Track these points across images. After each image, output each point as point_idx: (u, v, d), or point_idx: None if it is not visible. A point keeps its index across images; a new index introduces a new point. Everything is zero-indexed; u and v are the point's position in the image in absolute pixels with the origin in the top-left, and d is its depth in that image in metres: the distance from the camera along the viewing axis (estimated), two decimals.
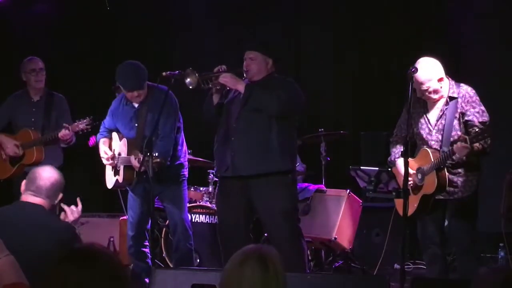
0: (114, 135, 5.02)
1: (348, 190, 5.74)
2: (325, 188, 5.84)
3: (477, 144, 3.99)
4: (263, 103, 4.40)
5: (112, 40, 7.30)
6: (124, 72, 4.77)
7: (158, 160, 4.31)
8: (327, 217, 5.66)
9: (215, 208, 5.52)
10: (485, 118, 4.16)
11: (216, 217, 5.60)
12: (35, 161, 5.45)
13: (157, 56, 6.81)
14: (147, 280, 4.68)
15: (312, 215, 5.69)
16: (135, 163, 4.60)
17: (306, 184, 5.87)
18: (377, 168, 6.16)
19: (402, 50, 6.79)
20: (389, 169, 6.05)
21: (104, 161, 4.94)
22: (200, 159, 6.00)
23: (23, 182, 3.44)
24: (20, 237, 3.08)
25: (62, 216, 3.55)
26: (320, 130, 6.09)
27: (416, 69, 4.13)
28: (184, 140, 5.06)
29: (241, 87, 4.45)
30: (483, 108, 4.20)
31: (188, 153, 5.56)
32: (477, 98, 4.23)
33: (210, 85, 4.51)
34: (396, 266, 5.76)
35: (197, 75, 4.45)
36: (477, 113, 4.16)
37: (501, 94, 5.75)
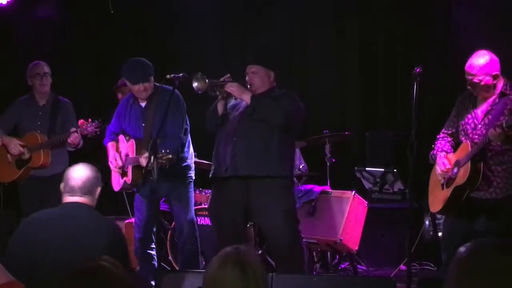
0: (121, 137, 5.03)
1: (354, 191, 5.73)
2: (330, 190, 5.83)
3: None
4: (268, 115, 4.46)
5: (115, 43, 7.31)
6: (130, 66, 4.83)
7: (170, 156, 4.32)
8: (332, 218, 5.65)
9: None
10: None
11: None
12: (41, 165, 5.47)
13: (160, 58, 6.81)
14: (153, 282, 4.69)
15: (317, 217, 5.69)
16: (143, 162, 4.59)
17: (311, 185, 5.86)
18: (382, 169, 6.16)
19: (407, 50, 6.79)
20: (394, 170, 6.05)
21: (112, 167, 4.96)
22: (205, 161, 6.00)
23: (61, 185, 3.47)
24: (65, 236, 3.18)
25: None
26: (324, 131, 6.09)
27: (421, 70, 4.10)
28: (191, 142, 5.07)
29: (247, 97, 4.52)
30: None
31: (195, 156, 5.56)
32: None
33: (217, 93, 4.56)
34: (402, 267, 5.75)
35: (207, 81, 4.49)
36: None
37: None
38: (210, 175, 4.72)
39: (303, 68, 7.35)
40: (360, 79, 7.17)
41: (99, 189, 3.48)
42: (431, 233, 5.85)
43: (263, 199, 4.47)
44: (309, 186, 5.85)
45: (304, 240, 5.58)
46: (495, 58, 4.14)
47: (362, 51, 7.11)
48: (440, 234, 5.37)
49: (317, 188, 5.81)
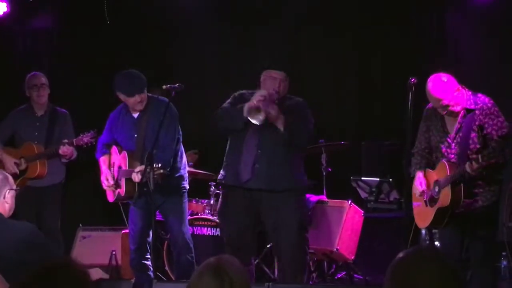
0: (114, 149, 5.01)
1: (350, 201, 5.74)
2: (326, 199, 5.84)
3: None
4: (295, 138, 4.52)
5: (112, 53, 7.33)
6: (124, 79, 4.82)
7: (162, 171, 4.33)
8: (328, 228, 5.66)
9: (217, 220, 5.56)
10: (504, 130, 4.11)
11: (218, 229, 5.63)
12: (38, 175, 5.47)
13: (157, 68, 6.83)
14: None
15: (313, 226, 5.68)
16: (136, 178, 4.60)
17: (307, 195, 5.86)
18: (378, 179, 6.16)
19: (403, 60, 6.82)
20: (390, 179, 6.07)
21: (104, 187, 4.94)
22: (201, 171, 6.01)
23: None
24: None
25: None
26: (320, 141, 6.10)
27: (416, 80, 4.14)
28: (184, 152, 5.07)
29: (281, 124, 4.48)
30: (501, 118, 4.16)
31: (189, 166, 5.57)
32: (496, 108, 4.18)
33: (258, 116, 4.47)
34: None
35: (262, 111, 4.43)
36: (495, 126, 4.12)
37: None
38: (222, 181, 4.69)
39: (298, 77, 7.35)
40: (356, 89, 7.18)
41: (7, 192, 3.42)
42: (428, 242, 5.85)
43: (279, 211, 4.52)
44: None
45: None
46: (448, 75, 4.21)
47: (359, 61, 7.13)
48: (437, 243, 5.38)
49: (313, 198, 5.82)
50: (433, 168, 4.35)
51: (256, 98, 4.42)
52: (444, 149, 4.28)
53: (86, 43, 7.37)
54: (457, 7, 6.70)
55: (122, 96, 4.85)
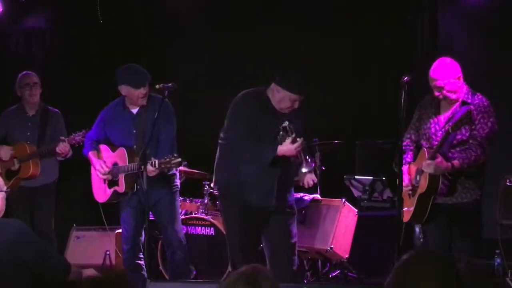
0: (103, 147, 4.97)
1: (344, 200, 5.75)
2: (320, 198, 5.84)
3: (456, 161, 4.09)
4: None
5: (104, 52, 7.32)
6: (131, 71, 4.84)
7: (180, 159, 4.49)
8: (322, 226, 5.67)
9: (211, 220, 5.57)
10: (491, 132, 4.18)
11: (212, 228, 5.64)
12: (31, 175, 5.46)
13: (149, 67, 6.81)
14: None
15: (308, 225, 5.69)
16: (149, 167, 4.56)
17: (301, 194, 5.87)
18: (371, 177, 6.17)
19: (397, 58, 6.83)
20: (383, 178, 6.08)
21: (101, 176, 4.91)
22: (196, 171, 6.01)
23: None
24: None
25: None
26: (314, 140, 6.10)
27: (409, 78, 4.15)
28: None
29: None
30: (492, 120, 4.21)
31: (184, 165, 5.56)
32: (491, 109, 4.23)
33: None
34: None
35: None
36: (485, 125, 4.18)
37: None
38: (241, 201, 4.49)
39: None
40: (350, 88, 7.19)
41: None
42: (421, 239, 5.86)
43: (284, 224, 4.54)
44: (299, 195, 5.86)
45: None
46: (455, 62, 4.25)
47: (353, 60, 7.13)
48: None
49: (307, 197, 5.82)
50: (415, 160, 4.39)
51: (296, 148, 4.33)
52: (430, 135, 4.31)
53: (79, 43, 7.35)
54: (450, 7, 6.71)
55: (126, 89, 4.81)
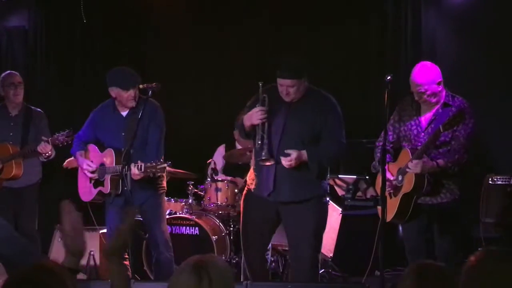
0: (92, 146, 4.97)
1: (327, 199, 5.75)
2: None
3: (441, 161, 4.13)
4: (333, 159, 4.69)
5: (87, 52, 7.29)
6: (121, 73, 4.82)
7: (165, 165, 4.49)
8: None
9: (195, 219, 5.58)
10: (471, 133, 4.23)
11: (196, 228, 5.64)
12: (13, 176, 5.42)
13: (133, 67, 6.80)
14: None
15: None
16: (135, 171, 4.58)
17: None
18: (355, 176, 6.20)
19: (380, 58, 6.87)
20: (367, 177, 6.11)
21: (88, 174, 4.90)
22: (180, 170, 6.00)
23: None
24: None
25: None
26: None
27: (392, 78, 4.17)
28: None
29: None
30: (473, 120, 4.26)
31: (168, 165, 5.55)
32: (471, 110, 4.28)
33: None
34: (377, 273, 5.78)
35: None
36: (466, 126, 4.23)
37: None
38: (252, 189, 4.55)
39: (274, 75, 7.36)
40: (333, 87, 7.20)
41: None
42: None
43: (300, 219, 4.48)
44: None
45: (279, 247, 5.62)
46: (436, 66, 4.31)
47: (335, 58, 7.16)
48: None
49: None
50: (395, 160, 4.41)
51: (256, 114, 4.34)
52: (412, 137, 4.35)
53: (62, 42, 7.32)
54: (433, 6, 6.76)
55: (116, 91, 4.80)
